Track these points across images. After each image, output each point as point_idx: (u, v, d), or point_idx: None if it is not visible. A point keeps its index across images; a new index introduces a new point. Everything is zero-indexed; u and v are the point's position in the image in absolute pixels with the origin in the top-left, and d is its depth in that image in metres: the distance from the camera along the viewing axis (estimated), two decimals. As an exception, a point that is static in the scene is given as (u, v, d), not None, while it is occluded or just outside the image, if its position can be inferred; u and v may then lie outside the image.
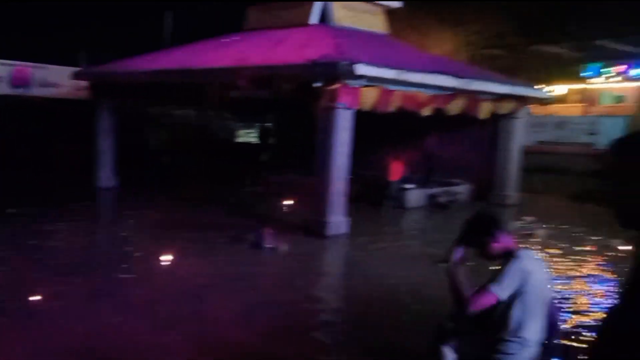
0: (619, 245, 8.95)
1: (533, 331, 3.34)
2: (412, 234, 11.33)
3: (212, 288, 6.93)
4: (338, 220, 10.21)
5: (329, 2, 13.30)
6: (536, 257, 3.59)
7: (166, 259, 7.70)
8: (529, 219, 11.82)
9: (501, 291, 3.22)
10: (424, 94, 11.79)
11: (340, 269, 9.15)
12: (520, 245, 3.63)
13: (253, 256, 8.71)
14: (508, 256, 3.34)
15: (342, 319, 6.32)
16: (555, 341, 3.53)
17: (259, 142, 23.03)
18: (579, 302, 6.89)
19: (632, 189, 1.65)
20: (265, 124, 22.93)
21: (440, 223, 11.74)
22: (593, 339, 1.76)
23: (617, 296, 1.73)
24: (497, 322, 3.34)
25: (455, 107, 12.57)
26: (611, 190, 1.71)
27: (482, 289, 3.27)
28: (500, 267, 3.34)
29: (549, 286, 3.54)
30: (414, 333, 5.37)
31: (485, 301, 3.25)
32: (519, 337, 3.31)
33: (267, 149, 20.71)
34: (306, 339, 5.54)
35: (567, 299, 6.90)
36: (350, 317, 6.32)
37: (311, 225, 10.18)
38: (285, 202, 10.50)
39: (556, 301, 3.57)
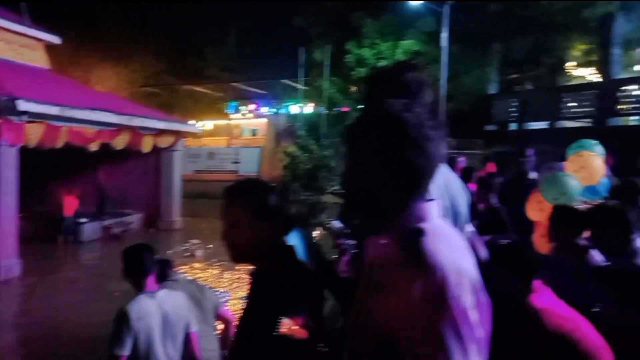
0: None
1: None
2: (89, 268, 10.79)
3: None
4: (9, 263, 9.10)
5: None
6: (164, 294, 3.21)
7: None
8: (193, 241, 12.38)
9: (123, 349, 2.95)
10: (90, 129, 11.41)
11: (12, 315, 8.02)
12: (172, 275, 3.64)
13: None
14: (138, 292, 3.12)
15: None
16: None
17: None
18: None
19: (237, 231, 1.74)
20: None
21: (115, 254, 11.37)
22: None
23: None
24: None
25: (120, 141, 12.45)
26: (223, 230, 1.75)
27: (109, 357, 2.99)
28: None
29: (182, 321, 3.23)
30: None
31: None
32: None
33: None
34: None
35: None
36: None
37: (-21, 271, 8.83)
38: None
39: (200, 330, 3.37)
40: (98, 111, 11.37)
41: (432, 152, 1.19)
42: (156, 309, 3.10)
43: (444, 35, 16.12)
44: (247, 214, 1.75)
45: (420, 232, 1.15)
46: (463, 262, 1.13)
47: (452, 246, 1.16)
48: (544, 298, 2.33)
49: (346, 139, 1.29)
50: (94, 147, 11.74)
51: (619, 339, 2.02)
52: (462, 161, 7.69)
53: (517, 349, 2.34)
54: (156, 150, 14.14)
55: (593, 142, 5.11)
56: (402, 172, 1.18)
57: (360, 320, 1.21)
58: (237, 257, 1.81)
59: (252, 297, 1.82)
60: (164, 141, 14.27)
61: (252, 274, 1.83)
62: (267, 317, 1.58)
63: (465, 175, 6.53)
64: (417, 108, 1.21)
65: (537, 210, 4.53)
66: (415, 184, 1.20)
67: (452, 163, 7.75)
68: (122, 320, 2.99)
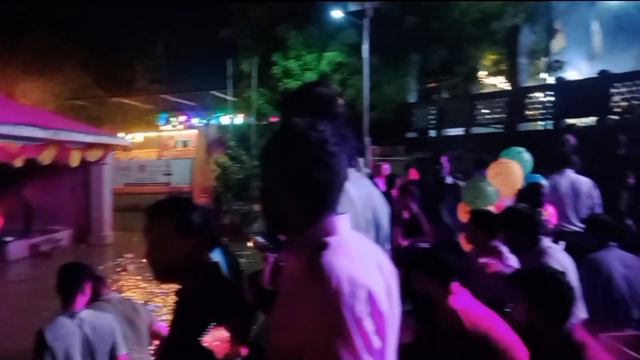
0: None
1: None
2: (14, 287, 10.19)
3: None
4: None
5: None
6: (87, 315, 3.05)
7: None
8: (126, 255, 11.94)
9: None
10: (14, 144, 10.81)
11: None
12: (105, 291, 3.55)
13: None
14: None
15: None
16: None
17: None
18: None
19: (161, 249, 1.71)
20: None
21: (44, 272, 10.83)
22: None
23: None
24: None
25: (46, 156, 11.85)
26: (147, 248, 1.72)
27: None
28: None
29: (106, 343, 3.05)
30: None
31: None
32: None
33: None
34: None
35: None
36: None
37: None
38: None
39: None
40: (22, 126, 10.78)
41: (336, 168, 1.20)
42: (76, 329, 2.95)
43: (365, 47, 16.46)
44: (170, 230, 1.71)
45: (321, 246, 1.16)
46: (362, 273, 1.14)
47: (353, 258, 1.16)
48: (461, 299, 2.42)
49: (259, 157, 1.31)
50: (18, 162, 11.12)
51: (529, 337, 2.14)
52: (386, 168, 7.90)
53: (437, 349, 2.42)
54: (85, 164, 13.56)
55: (520, 149, 5.37)
56: (307, 188, 1.20)
57: (274, 334, 1.22)
58: (162, 275, 1.77)
59: (177, 314, 1.78)
60: (93, 155, 13.72)
61: (178, 292, 1.78)
62: (192, 333, 1.55)
63: (389, 182, 6.72)
64: (322, 125, 1.22)
65: (464, 212, 4.75)
66: (322, 200, 1.22)
67: (376, 170, 7.94)
68: (38, 342, 2.87)
